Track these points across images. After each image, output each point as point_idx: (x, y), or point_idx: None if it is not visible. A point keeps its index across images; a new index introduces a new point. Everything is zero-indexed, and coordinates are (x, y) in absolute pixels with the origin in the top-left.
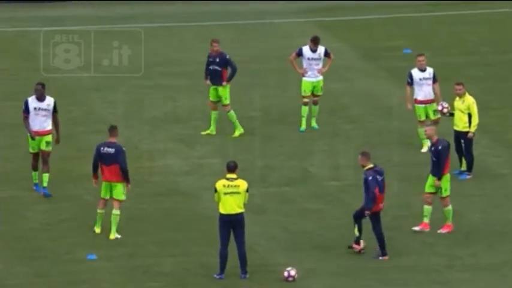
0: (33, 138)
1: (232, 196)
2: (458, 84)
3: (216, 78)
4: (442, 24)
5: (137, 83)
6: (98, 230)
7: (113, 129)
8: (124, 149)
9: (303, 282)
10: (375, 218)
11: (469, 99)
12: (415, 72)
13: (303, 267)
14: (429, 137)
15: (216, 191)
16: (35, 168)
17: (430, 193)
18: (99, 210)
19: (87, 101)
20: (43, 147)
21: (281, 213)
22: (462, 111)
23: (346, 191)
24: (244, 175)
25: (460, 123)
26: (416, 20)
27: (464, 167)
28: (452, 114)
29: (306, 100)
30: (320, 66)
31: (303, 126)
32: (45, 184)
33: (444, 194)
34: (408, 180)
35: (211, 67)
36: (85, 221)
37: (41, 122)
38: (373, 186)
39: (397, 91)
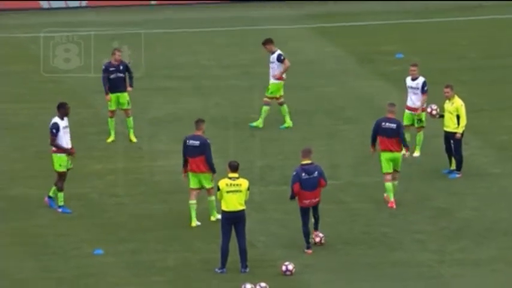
0: (70, 154)
1: (234, 194)
2: (447, 87)
3: (120, 85)
4: (433, 30)
5: (139, 85)
6: (194, 223)
7: (198, 123)
8: (209, 141)
9: (301, 277)
10: (303, 212)
11: (458, 102)
12: (408, 80)
13: (300, 263)
14: None
15: (218, 189)
16: (62, 189)
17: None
18: (190, 201)
19: (93, 103)
20: (69, 166)
21: (280, 211)
22: (451, 113)
23: (343, 189)
24: (245, 174)
25: (451, 124)
26: (409, 26)
27: (453, 166)
28: (442, 116)
29: (264, 99)
30: (276, 70)
31: (255, 123)
32: (61, 203)
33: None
34: (404, 179)
35: (113, 76)
36: (92, 218)
37: (67, 140)
38: (292, 182)
39: (390, 93)
